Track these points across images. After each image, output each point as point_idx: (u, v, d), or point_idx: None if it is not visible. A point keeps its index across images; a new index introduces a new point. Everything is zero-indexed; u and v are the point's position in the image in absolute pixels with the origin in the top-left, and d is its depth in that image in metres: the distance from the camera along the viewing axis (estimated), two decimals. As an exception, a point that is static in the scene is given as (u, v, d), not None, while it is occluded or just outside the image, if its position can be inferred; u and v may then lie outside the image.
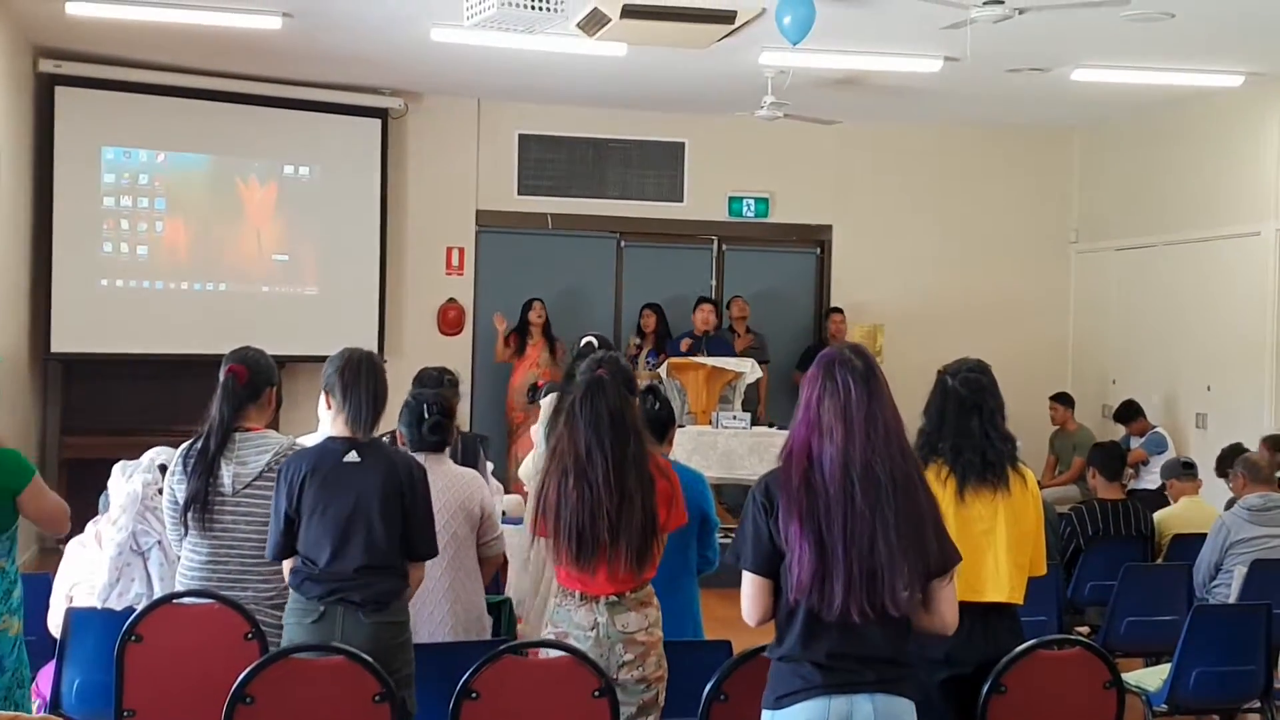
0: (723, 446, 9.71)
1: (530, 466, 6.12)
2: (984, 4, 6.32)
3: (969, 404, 4.10)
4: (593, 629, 4.01)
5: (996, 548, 3.99)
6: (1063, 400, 11.07)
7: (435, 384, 5.46)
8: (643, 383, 10.23)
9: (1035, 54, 8.90)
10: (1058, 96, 10.33)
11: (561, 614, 4.07)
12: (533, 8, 7.11)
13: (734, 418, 9.99)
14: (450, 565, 4.74)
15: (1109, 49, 8.72)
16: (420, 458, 4.76)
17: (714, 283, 12.17)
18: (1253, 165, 9.95)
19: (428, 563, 4.36)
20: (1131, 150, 11.57)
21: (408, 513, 4.15)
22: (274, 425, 4.95)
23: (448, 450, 5.01)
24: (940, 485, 4.00)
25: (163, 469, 4.63)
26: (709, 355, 10.49)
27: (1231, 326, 10.07)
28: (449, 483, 4.83)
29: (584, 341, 5.91)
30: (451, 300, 11.47)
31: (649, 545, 4.03)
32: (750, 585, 3.30)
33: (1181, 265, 10.78)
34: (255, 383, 4.51)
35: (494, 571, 5.04)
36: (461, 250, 11.54)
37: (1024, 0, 6.47)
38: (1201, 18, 7.81)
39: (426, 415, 4.87)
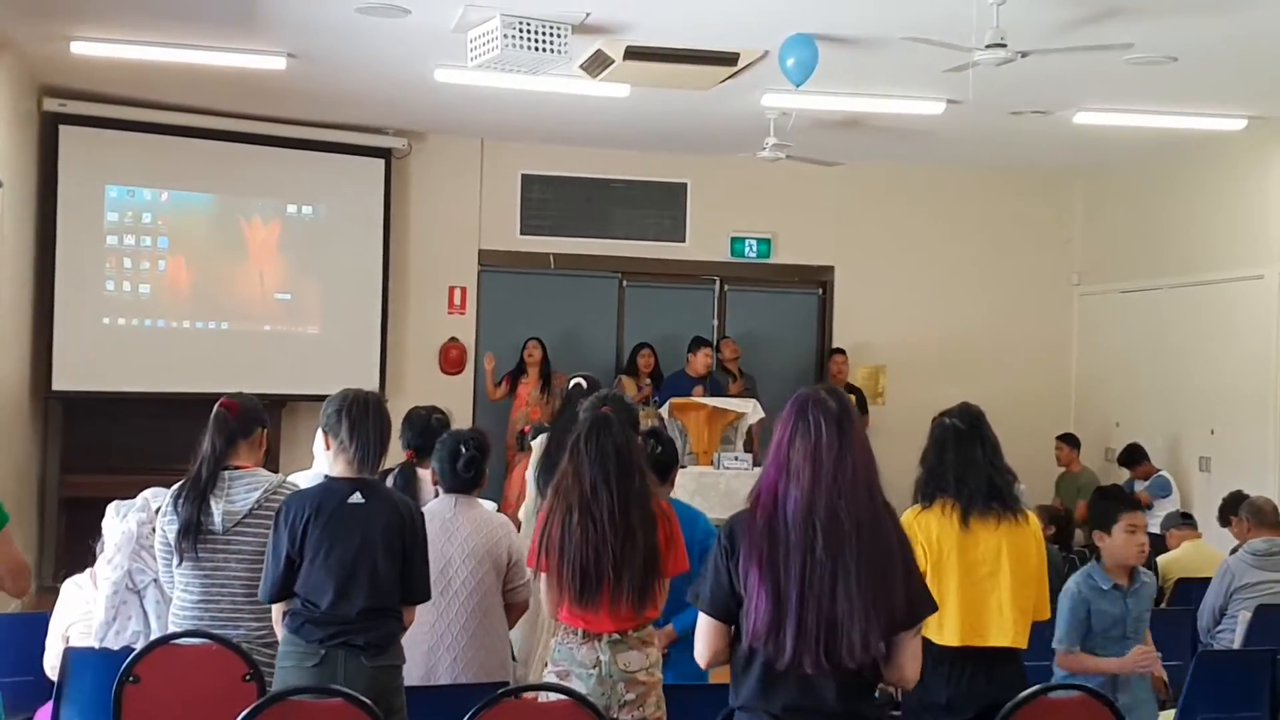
0: (724, 487, 9.67)
1: (530, 508, 6.09)
2: (986, 47, 6.33)
3: (969, 436, 4.13)
4: (595, 667, 3.98)
5: (1000, 592, 3.97)
6: (1069, 441, 11.04)
7: (423, 424, 5.43)
8: (649, 423, 10.28)
9: (1038, 97, 8.92)
10: (1060, 139, 10.35)
11: (563, 651, 4.04)
12: (536, 49, 7.16)
13: (735, 458, 9.96)
14: (475, 609, 4.70)
15: (1112, 92, 8.74)
16: (452, 499, 4.75)
17: (715, 323, 12.16)
18: (1256, 209, 9.96)
19: (449, 605, 4.33)
20: (1134, 193, 11.59)
21: (407, 556, 4.12)
22: (273, 464, 4.94)
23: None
24: (945, 519, 3.99)
25: (158, 510, 4.61)
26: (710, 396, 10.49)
27: (1235, 370, 10.05)
28: (478, 526, 4.78)
29: (572, 383, 5.87)
30: (453, 339, 11.46)
31: (651, 584, 4.01)
32: (705, 627, 3.23)
33: (1185, 308, 10.77)
34: (247, 419, 4.51)
35: (519, 616, 4.98)
36: (464, 289, 11.54)
37: (1026, 43, 6.48)
38: (1204, 62, 7.82)
39: (463, 451, 4.79)
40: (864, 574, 3.05)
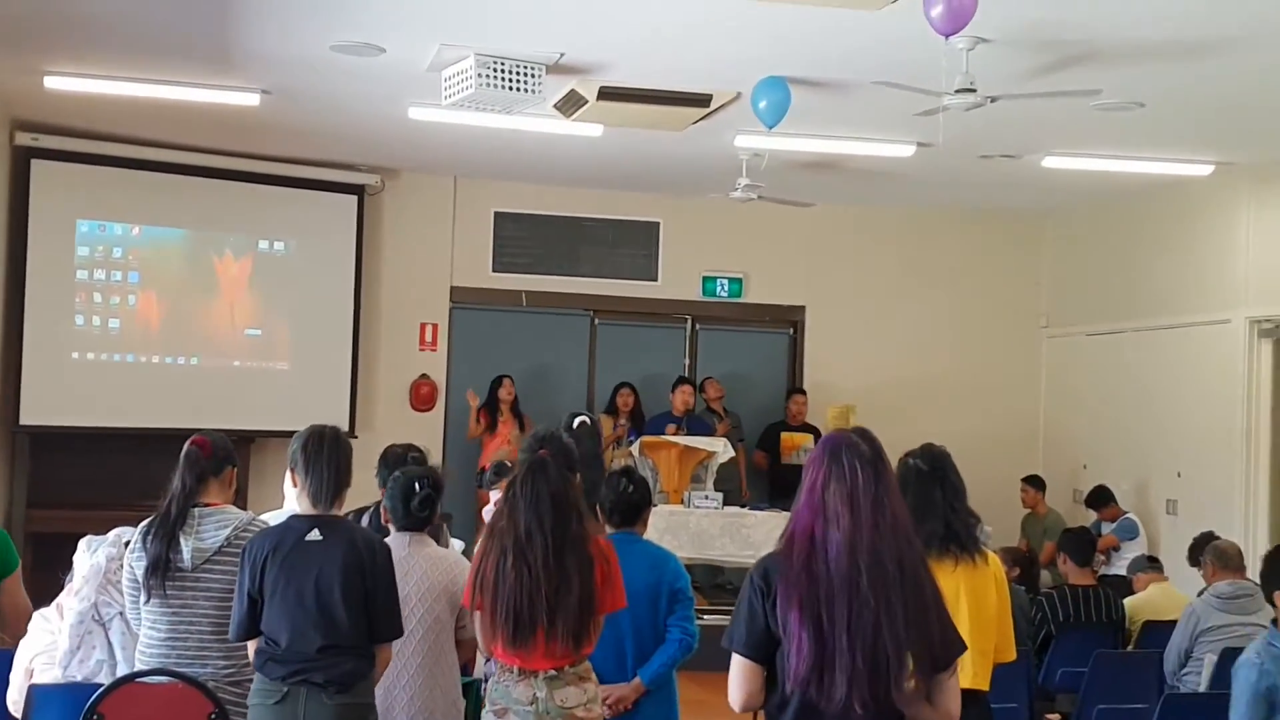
0: (694, 526, 9.69)
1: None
2: (956, 92, 6.39)
3: (930, 477, 4.16)
4: (531, 704, 4.00)
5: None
6: (1034, 483, 11.07)
7: (400, 461, 5.41)
8: (622, 462, 10.28)
9: (1007, 141, 9.01)
10: (1029, 182, 10.45)
11: (499, 690, 4.06)
12: (510, 88, 7.19)
13: (706, 497, 9.97)
14: (430, 648, 4.67)
15: (1080, 137, 8.84)
16: (405, 537, 4.72)
17: (687, 362, 12.19)
18: (1222, 253, 10.05)
19: (404, 644, 4.31)
20: (1102, 236, 11.69)
21: (370, 593, 4.10)
22: (241, 501, 4.93)
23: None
24: None
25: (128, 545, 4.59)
26: (690, 435, 10.49)
27: (1202, 413, 10.12)
28: (432, 564, 4.76)
29: (577, 421, 5.89)
30: (424, 376, 11.44)
31: (585, 626, 4.02)
32: (739, 669, 3.19)
33: (1152, 351, 10.85)
34: (218, 457, 4.50)
35: (471, 653, 4.99)
36: (435, 326, 11.54)
37: (996, 89, 6.56)
38: (1171, 108, 7.92)
39: (418, 489, 4.74)
40: (908, 615, 3.07)
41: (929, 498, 4.08)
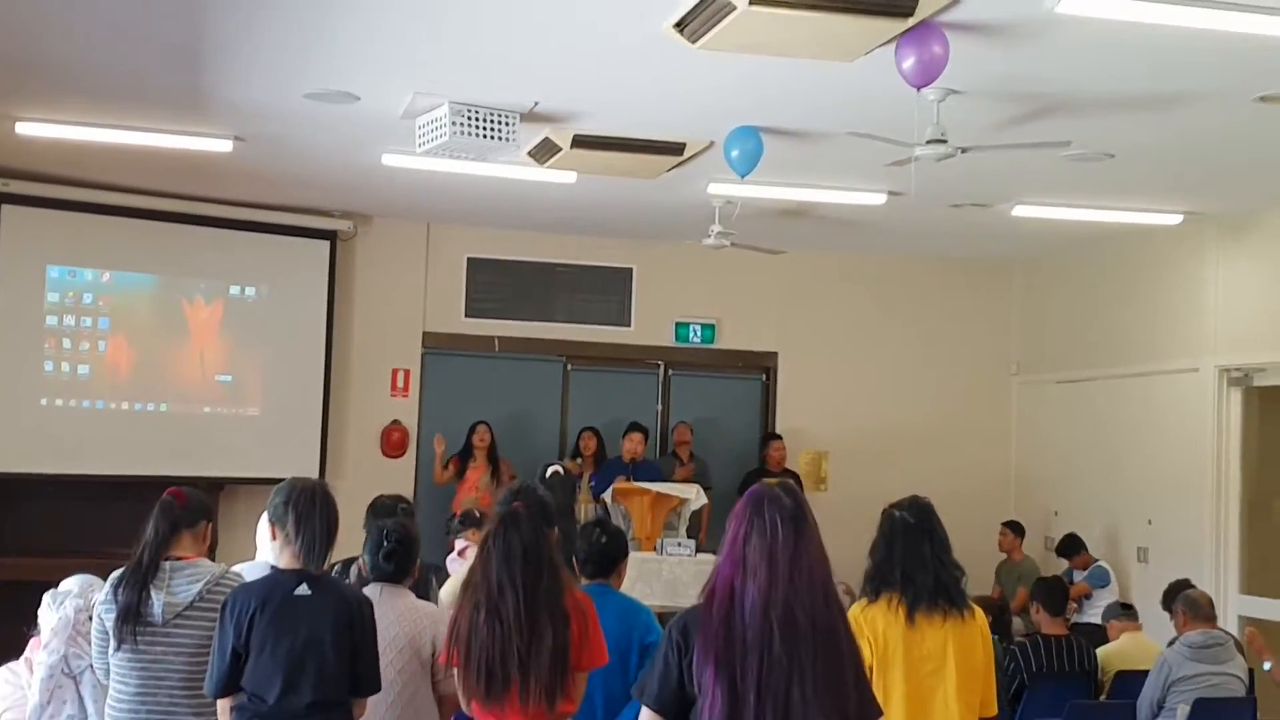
0: (667, 574, 9.65)
1: (448, 593, 6.04)
2: (927, 143, 6.43)
3: (918, 530, 4.14)
4: None
5: (946, 688, 3.97)
6: (1014, 528, 11.07)
7: (389, 513, 5.41)
8: (584, 507, 10.23)
9: (977, 190, 9.07)
10: (999, 231, 10.51)
11: None
12: (484, 136, 7.20)
13: (679, 544, 9.93)
14: (407, 704, 4.63)
15: (1050, 186, 8.90)
16: (377, 589, 4.70)
17: (660, 407, 12.18)
18: (1191, 302, 10.12)
19: (379, 699, 4.28)
20: (1071, 284, 11.76)
21: (357, 647, 4.09)
22: (212, 551, 4.88)
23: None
24: (892, 613, 3.99)
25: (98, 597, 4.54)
26: (638, 483, 10.43)
27: (1172, 461, 10.16)
28: (401, 615, 4.73)
29: (550, 471, 5.86)
30: (395, 422, 11.39)
31: (559, 683, 3.95)
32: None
33: (1122, 399, 10.90)
34: (193, 510, 4.47)
35: (453, 709, 4.93)
36: (407, 372, 11.50)
37: (967, 140, 6.60)
38: (1140, 159, 7.99)
39: (384, 543, 4.78)
40: (819, 675, 3.02)
41: (918, 551, 4.07)
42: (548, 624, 3.92)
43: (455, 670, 4.01)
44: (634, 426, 11.23)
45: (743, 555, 3.12)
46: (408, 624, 4.72)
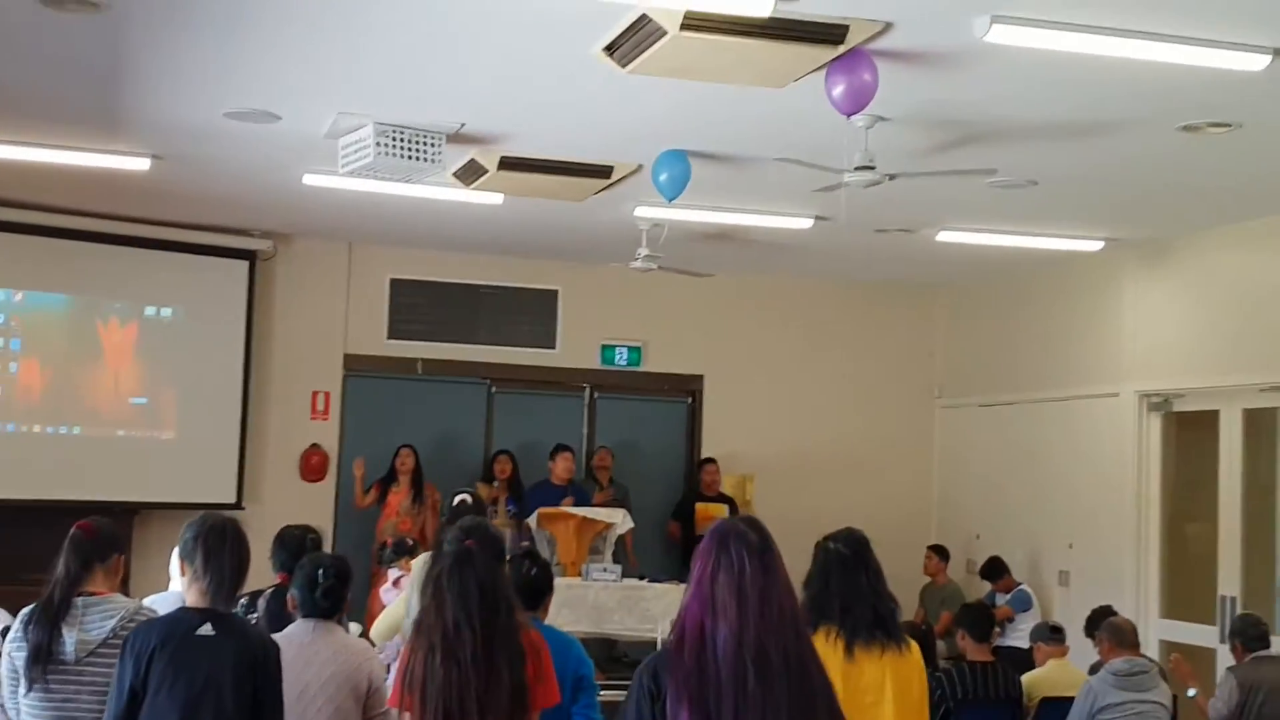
0: (592, 600, 9.56)
1: (383, 626, 5.91)
2: (856, 169, 6.43)
3: (853, 562, 4.11)
4: None
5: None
6: (939, 552, 11.12)
7: (297, 543, 5.27)
8: (506, 532, 10.09)
9: (903, 216, 9.10)
10: (924, 256, 10.56)
11: None
12: (409, 157, 7.11)
13: (604, 570, 9.84)
14: None
15: (975, 213, 8.96)
16: (310, 624, 4.60)
17: (585, 430, 12.10)
18: (1111, 328, 10.23)
19: None
20: (994, 309, 11.86)
21: (258, 690, 3.95)
22: (125, 578, 4.74)
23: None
24: (830, 646, 3.96)
25: (3, 632, 4.40)
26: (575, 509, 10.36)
27: (1093, 485, 10.25)
28: (336, 652, 4.62)
29: (456, 499, 5.74)
30: (315, 446, 11.20)
31: None
32: None
33: (1043, 423, 10.99)
34: (104, 544, 4.32)
35: None
36: (328, 395, 11.32)
37: (894, 166, 6.61)
38: (1063, 186, 8.06)
39: (321, 579, 4.66)
40: (794, 710, 2.99)
41: (855, 584, 4.04)
42: (505, 664, 3.81)
43: (406, 716, 3.88)
44: (562, 448, 11.13)
45: (711, 594, 3.07)
46: (343, 661, 4.61)
